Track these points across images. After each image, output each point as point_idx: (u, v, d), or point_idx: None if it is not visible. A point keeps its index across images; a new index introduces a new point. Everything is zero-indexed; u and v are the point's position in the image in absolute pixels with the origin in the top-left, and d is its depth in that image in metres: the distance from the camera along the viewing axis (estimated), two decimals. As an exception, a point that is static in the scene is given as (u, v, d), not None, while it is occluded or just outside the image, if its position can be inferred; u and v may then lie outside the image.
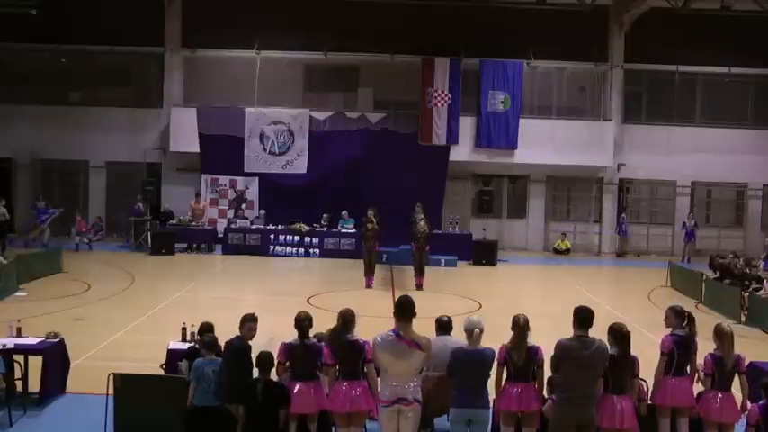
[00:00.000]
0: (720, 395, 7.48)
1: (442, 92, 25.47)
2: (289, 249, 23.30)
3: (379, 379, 7.11)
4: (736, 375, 7.60)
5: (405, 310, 6.83)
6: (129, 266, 20.31)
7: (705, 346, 7.76)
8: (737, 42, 25.44)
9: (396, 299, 7.11)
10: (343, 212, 23.57)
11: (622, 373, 7.07)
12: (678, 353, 7.54)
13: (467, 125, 25.87)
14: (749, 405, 7.37)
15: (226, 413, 7.60)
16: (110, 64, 26.71)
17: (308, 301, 15.58)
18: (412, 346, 6.75)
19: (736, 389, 7.64)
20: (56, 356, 9.65)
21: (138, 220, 24.05)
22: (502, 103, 25.75)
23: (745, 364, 7.68)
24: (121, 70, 27.20)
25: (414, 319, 6.90)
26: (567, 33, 25.44)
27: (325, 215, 23.75)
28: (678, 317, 7.72)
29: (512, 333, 7.21)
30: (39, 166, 26.53)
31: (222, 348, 7.92)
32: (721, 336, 7.59)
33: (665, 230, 27.05)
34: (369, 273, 18.63)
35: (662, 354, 7.60)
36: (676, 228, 26.97)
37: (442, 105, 25.50)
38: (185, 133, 25.16)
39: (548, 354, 7.14)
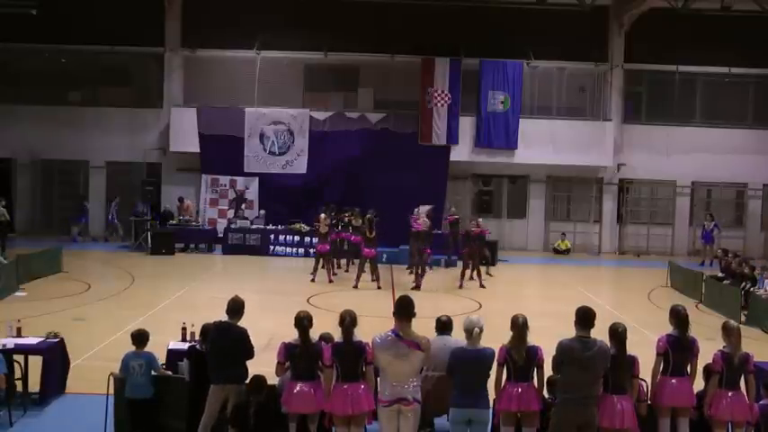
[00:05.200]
0: (730, 393, 7.44)
1: (442, 92, 25.47)
2: (289, 249, 23.28)
3: (378, 379, 7.10)
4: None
5: (404, 310, 6.83)
6: (128, 266, 20.31)
7: (705, 347, 7.75)
8: (737, 42, 25.43)
9: (396, 299, 7.11)
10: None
11: (622, 373, 7.07)
12: (673, 353, 7.49)
13: (467, 125, 25.87)
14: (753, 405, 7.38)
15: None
16: (110, 64, 26.72)
17: (308, 301, 15.58)
18: (411, 347, 6.75)
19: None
20: (56, 356, 9.64)
21: (138, 220, 24.07)
22: (502, 103, 25.74)
23: (753, 362, 7.60)
24: (121, 70, 27.21)
25: (414, 319, 6.90)
26: (567, 33, 25.44)
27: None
28: (672, 317, 7.71)
29: (511, 333, 7.21)
30: (39, 166, 26.54)
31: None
32: (728, 331, 7.56)
33: (664, 230, 27.04)
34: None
35: (657, 354, 7.57)
36: (676, 228, 27.02)
37: (442, 105, 25.49)
38: (185, 133, 25.17)
39: (548, 354, 7.13)
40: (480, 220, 20.70)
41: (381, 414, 6.86)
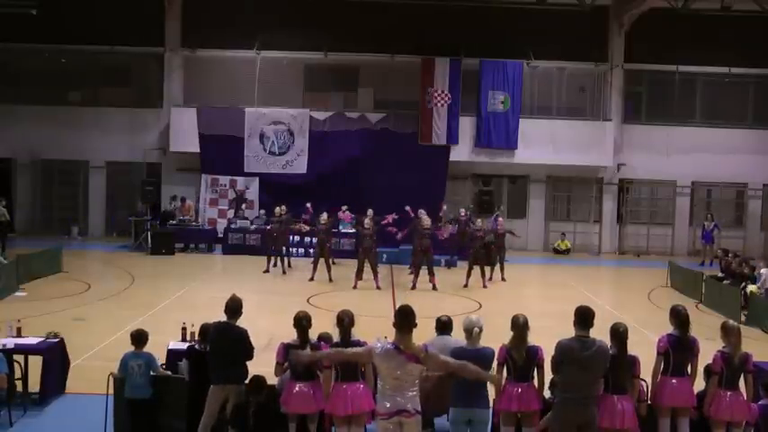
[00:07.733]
0: (729, 393, 7.44)
1: (442, 92, 25.46)
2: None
3: (377, 387, 7.02)
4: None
5: (405, 320, 6.44)
6: (129, 266, 20.31)
7: (705, 347, 7.75)
8: (737, 42, 25.43)
9: (395, 300, 7.07)
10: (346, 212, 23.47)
11: (622, 374, 7.07)
12: (674, 353, 7.50)
13: (467, 125, 25.86)
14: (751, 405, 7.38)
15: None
16: (110, 64, 26.70)
17: (307, 301, 15.58)
18: (410, 360, 6.39)
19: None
20: (56, 356, 9.65)
21: (138, 220, 24.06)
22: (502, 103, 25.74)
23: (752, 362, 7.60)
24: (121, 70, 27.18)
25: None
26: (567, 33, 25.43)
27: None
28: (672, 317, 7.70)
29: (511, 333, 7.20)
30: (39, 166, 26.52)
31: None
32: (728, 331, 7.57)
33: (664, 230, 27.03)
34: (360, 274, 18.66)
35: (657, 354, 7.57)
36: (676, 228, 27.01)
37: (442, 105, 25.49)
38: (185, 133, 25.17)
39: (548, 354, 7.13)
40: (500, 218, 22.12)
41: (380, 426, 6.45)
